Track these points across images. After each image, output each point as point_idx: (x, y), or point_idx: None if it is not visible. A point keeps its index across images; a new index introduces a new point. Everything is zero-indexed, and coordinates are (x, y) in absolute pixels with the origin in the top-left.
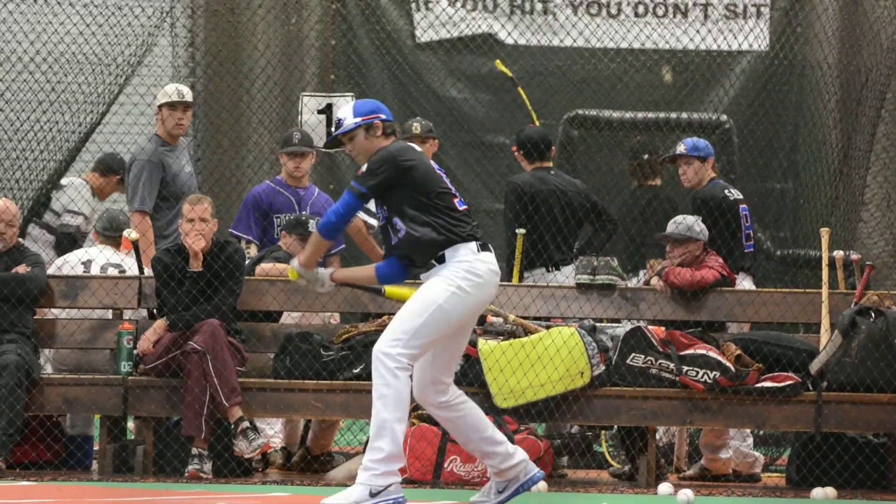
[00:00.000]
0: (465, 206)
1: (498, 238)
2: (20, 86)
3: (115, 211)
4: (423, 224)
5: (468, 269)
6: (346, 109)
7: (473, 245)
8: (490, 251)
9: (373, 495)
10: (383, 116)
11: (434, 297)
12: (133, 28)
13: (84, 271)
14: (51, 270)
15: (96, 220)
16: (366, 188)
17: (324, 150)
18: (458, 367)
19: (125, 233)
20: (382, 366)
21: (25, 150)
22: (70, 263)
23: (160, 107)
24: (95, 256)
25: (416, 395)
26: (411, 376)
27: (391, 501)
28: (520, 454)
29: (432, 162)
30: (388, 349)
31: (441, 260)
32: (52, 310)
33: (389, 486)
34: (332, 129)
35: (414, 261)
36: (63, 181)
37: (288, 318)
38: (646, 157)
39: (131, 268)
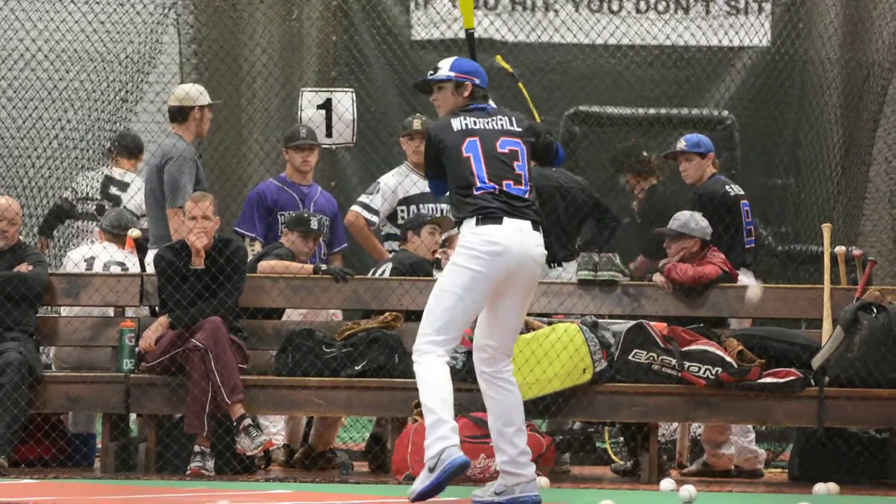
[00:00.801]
0: (489, 190)
1: None
2: (22, 83)
3: (121, 209)
4: (452, 194)
5: (462, 244)
6: (446, 61)
7: (472, 220)
8: (493, 223)
9: (431, 470)
10: (477, 81)
11: (441, 283)
12: (135, 25)
13: (87, 269)
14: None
15: (102, 218)
16: (427, 172)
17: (414, 88)
18: (509, 345)
19: (129, 232)
20: (414, 360)
21: (28, 147)
22: (73, 260)
23: (200, 107)
24: (99, 254)
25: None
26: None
27: (447, 467)
28: (529, 472)
29: (475, 140)
30: (416, 343)
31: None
32: (60, 308)
33: (442, 452)
34: (429, 73)
35: None
36: (124, 177)
37: (292, 315)
38: (644, 154)
39: (134, 265)
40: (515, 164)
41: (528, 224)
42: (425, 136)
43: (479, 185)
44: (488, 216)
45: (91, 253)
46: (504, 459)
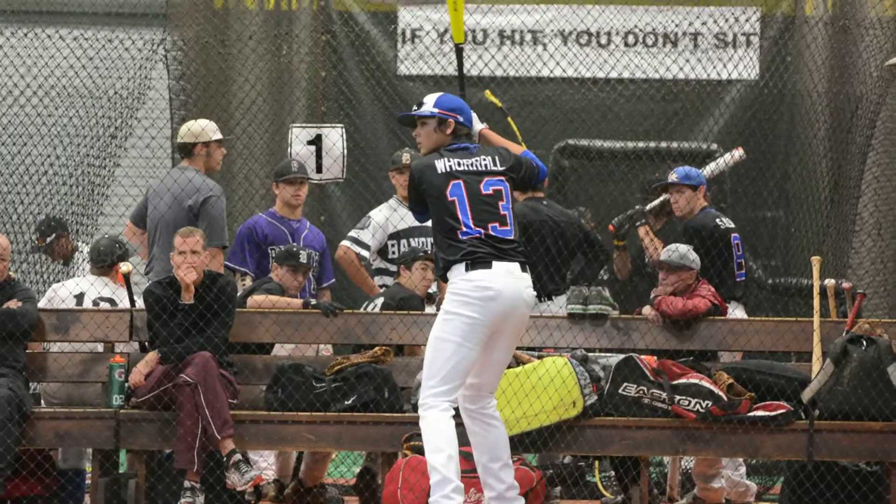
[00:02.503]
0: (475, 235)
1: None
2: (11, 119)
3: (107, 241)
4: (436, 235)
5: (452, 291)
6: (431, 96)
7: (461, 266)
8: (483, 267)
9: None
10: (461, 119)
11: (435, 333)
12: (124, 61)
13: (76, 304)
14: (42, 302)
15: (90, 250)
16: (412, 207)
17: (398, 122)
18: (493, 383)
19: (121, 266)
20: (420, 413)
21: (17, 183)
22: (61, 297)
23: (206, 143)
24: (87, 289)
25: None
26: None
27: None
28: None
29: (459, 183)
30: (420, 397)
31: (445, 280)
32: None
33: None
34: (415, 107)
35: None
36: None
37: (281, 350)
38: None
39: (123, 300)
40: (500, 204)
41: (516, 266)
42: (409, 175)
43: (464, 230)
44: (477, 261)
45: (79, 288)
46: (492, 495)
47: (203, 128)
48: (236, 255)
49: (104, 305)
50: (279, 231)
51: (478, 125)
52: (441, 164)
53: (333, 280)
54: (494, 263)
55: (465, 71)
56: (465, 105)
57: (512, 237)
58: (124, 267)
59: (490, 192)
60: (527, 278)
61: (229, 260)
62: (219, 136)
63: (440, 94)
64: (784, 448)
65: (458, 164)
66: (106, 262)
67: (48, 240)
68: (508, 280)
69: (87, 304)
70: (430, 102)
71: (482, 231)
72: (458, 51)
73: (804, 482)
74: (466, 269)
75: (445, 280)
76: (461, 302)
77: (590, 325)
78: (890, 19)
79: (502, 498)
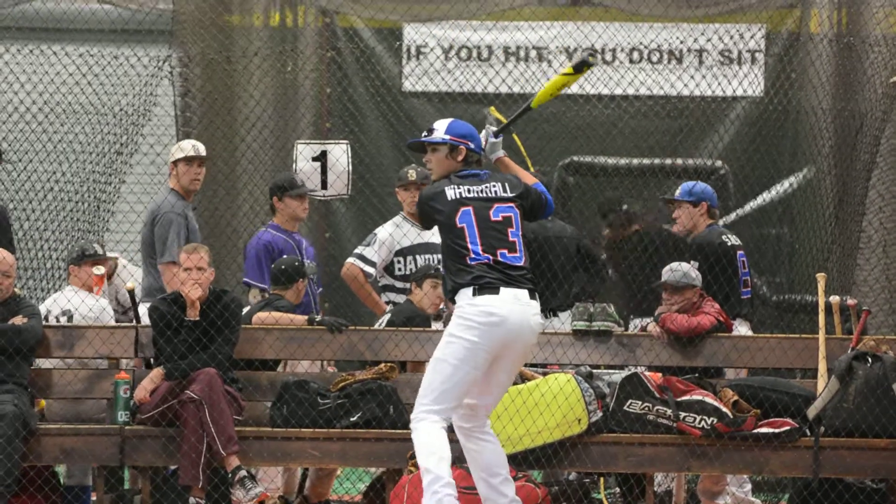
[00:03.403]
0: (484, 261)
1: None
2: (17, 136)
3: (85, 241)
4: (445, 259)
5: (458, 315)
6: (442, 122)
7: (469, 290)
8: (490, 293)
9: None
10: (472, 146)
11: (437, 354)
12: (130, 77)
13: (67, 321)
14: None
15: (68, 255)
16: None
17: (408, 148)
18: (490, 405)
19: (127, 284)
20: (413, 429)
21: (23, 200)
22: (53, 314)
23: (175, 162)
24: (78, 305)
25: None
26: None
27: None
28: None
29: (469, 210)
30: (414, 413)
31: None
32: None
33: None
34: (424, 134)
35: None
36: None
37: (298, 367)
38: (624, 207)
39: (106, 308)
40: (510, 230)
41: (525, 293)
42: (418, 201)
43: (472, 256)
44: (485, 286)
45: (67, 305)
46: None
47: (177, 147)
48: (254, 271)
49: (92, 317)
50: (289, 245)
51: (497, 152)
52: (451, 192)
53: (321, 290)
54: (502, 289)
55: (470, 88)
56: (476, 132)
57: (521, 264)
58: (129, 283)
59: (499, 218)
60: (535, 305)
61: (247, 276)
62: (182, 154)
63: (451, 119)
64: (789, 465)
65: (469, 192)
66: (82, 260)
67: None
68: (515, 307)
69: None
70: (441, 129)
71: (490, 257)
72: (527, 107)
73: (809, 499)
74: (473, 294)
75: (454, 301)
76: (465, 326)
77: (594, 341)
78: (894, 36)
79: None
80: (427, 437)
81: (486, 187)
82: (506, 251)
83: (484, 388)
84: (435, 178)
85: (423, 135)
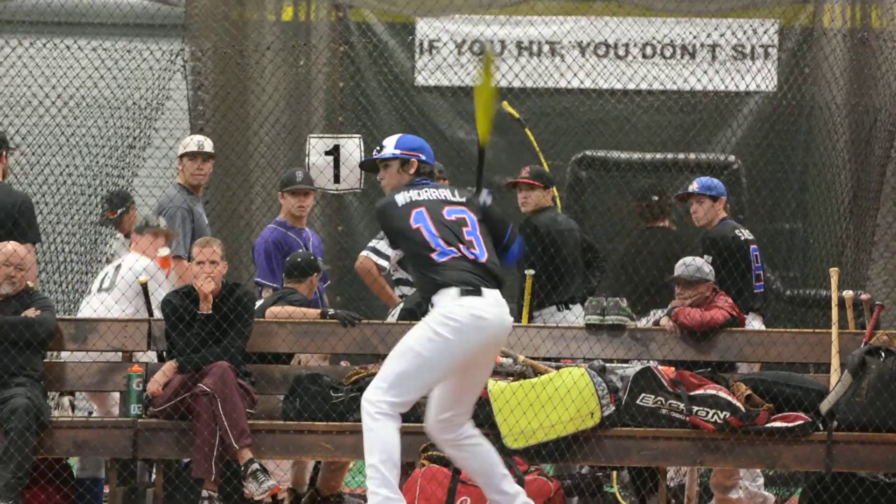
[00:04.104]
0: (452, 255)
1: (508, 279)
2: (30, 129)
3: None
4: (414, 272)
5: (445, 315)
6: (391, 139)
7: (454, 291)
8: (477, 296)
9: None
10: (423, 157)
11: (412, 343)
12: (143, 71)
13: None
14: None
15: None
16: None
17: (360, 168)
18: (469, 410)
19: (140, 278)
20: (365, 412)
21: (37, 193)
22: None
23: (181, 156)
24: (132, 264)
25: (426, 429)
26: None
27: None
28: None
29: (421, 210)
30: (370, 395)
31: (431, 305)
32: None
33: None
34: (375, 151)
35: None
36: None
37: (312, 361)
38: (655, 198)
39: (161, 286)
40: (465, 230)
41: (498, 293)
42: (377, 215)
43: (439, 252)
44: (469, 289)
45: (136, 265)
46: None
47: (183, 142)
48: (264, 270)
49: (136, 274)
50: (296, 242)
51: (485, 199)
52: (401, 198)
53: (328, 282)
54: (484, 291)
55: None
56: (426, 144)
57: (484, 261)
58: (143, 277)
59: (453, 218)
60: (506, 305)
61: (261, 276)
62: (186, 149)
63: (400, 135)
64: (802, 459)
65: (419, 195)
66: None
67: (119, 212)
68: (496, 309)
69: (123, 273)
70: (390, 144)
71: (455, 251)
72: (481, 153)
73: (822, 493)
74: (461, 295)
75: (431, 306)
76: (452, 327)
77: (607, 335)
78: None
79: None
80: (387, 432)
81: (436, 191)
82: (465, 247)
83: (461, 398)
84: (388, 193)
85: (374, 153)
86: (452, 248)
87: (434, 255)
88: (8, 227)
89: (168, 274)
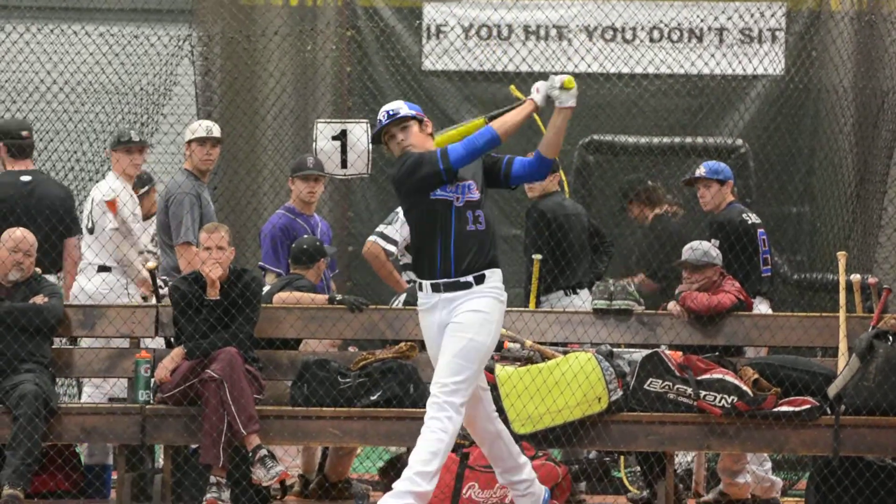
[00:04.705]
0: None
1: (515, 264)
2: (38, 115)
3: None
4: (492, 229)
5: (497, 297)
6: (395, 103)
7: (499, 271)
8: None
9: None
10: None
11: (484, 340)
12: (150, 57)
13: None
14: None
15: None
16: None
17: (373, 142)
18: None
19: (148, 263)
20: (443, 413)
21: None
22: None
23: (189, 142)
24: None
25: None
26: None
27: None
28: (527, 469)
29: None
30: (451, 398)
31: (481, 280)
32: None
33: None
34: (382, 119)
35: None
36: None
37: (319, 346)
38: (649, 183)
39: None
40: None
41: None
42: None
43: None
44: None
45: (111, 194)
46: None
47: (191, 128)
48: (269, 254)
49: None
50: (304, 229)
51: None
52: None
53: (337, 270)
54: None
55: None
56: None
57: None
58: (151, 263)
59: None
60: None
61: (265, 260)
62: (194, 134)
63: (400, 101)
64: (810, 443)
65: None
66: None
67: (140, 192)
68: None
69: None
70: (403, 108)
71: None
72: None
73: (829, 477)
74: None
75: (478, 282)
76: (502, 309)
77: (615, 320)
78: None
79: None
80: (447, 438)
81: None
82: None
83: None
84: (417, 151)
85: (384, 120)
86: None
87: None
88: (66, 221)
89: (115, 216)
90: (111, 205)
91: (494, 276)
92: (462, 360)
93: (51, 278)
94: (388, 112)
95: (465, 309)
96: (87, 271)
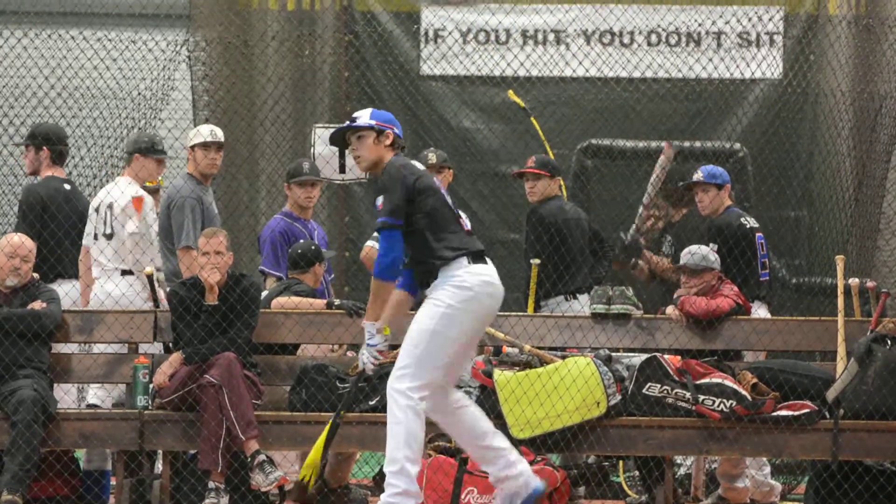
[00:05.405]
0: (467, 228)
1: (513, 268)
2: (35, 120)
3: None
4: (421, 244)
5: (456, 285)
6: (364, 111)
7: (464, 260)
8: (485, 262)
9: None
10: (396, 130)
11: (426, 324)
12: (148, 62)
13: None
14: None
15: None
16: (393, 218)
17: (329, 144)
18: (457, 379)
19: (146, 269)
20: (393, 402)
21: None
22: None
23: (192, 147)
24: (117, 198)
25: None
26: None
27: None
28: (524, 467)
29: (437, 179)
30: (394, 384)
31: (435, 277)
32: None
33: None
34: (347, 123)
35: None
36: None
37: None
38: (680, 183)
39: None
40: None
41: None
42: (388, 176)
43: (461, 220)
44: (477, 256)
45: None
46: (497, 468)
47: (195, 132)
48: (269, 259)
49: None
50: (302, 233)
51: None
52: (416, 162)
53: (333, 276)
54: (487, 260)
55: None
56: (397, 121)
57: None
58: (148, 268)
59: (449, 196)
60: None
61: (265, 265)
62: (200, 139)
63: (371, 109)
64: (809, 448)
65: (420, 166)
66: (129, 149)
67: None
68: (497, 278)
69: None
70: (365, 115)
71: (465, 223)
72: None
73: (829, 482)
74: (469, 262)
75: (434, 279)
76: (468, 297)
77: (613, 324)
78: None
79: (507, 463)
80: (414, 425)
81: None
82: (463, 220)
83: (454, 367)
84: (366, 166)
85: (346, 123)
86: (462, 221)
87: (459, 223)
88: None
89: (139, 215)
90: (138, 203)
91: (447, 270)
92: (407, 345)
93: (69, 284)
94: (351, 118)
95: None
96: (113, 276)
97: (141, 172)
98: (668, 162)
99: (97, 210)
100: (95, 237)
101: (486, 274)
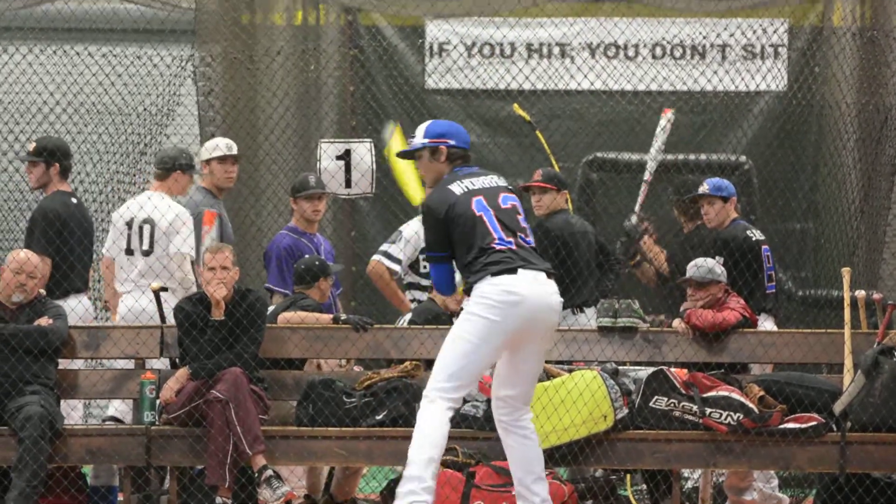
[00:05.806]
0: (509, 245)
1: None
2: (40, 136)
3: (173, 148)
4: (466, 259)
5: (479, 296)
6: (420, 127)
7: (487, 275)
8: (510, 273)
9: None
10: (452, 142)
11: (455, 331)
12: (153, 77)
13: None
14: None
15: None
16: (433, 251)
17: (399, 157)
18: (526, 394)
19: (152, 284)
20: (421, 404)
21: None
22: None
23: (208, 161)
24: (150, 212)
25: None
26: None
27: None
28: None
29: (480, 199)
30: (426, 389)
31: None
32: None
33: None
34: (409, 140)
35: None
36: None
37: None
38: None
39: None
40: (519, 217)
41: (542, 275)
42: (426, 213)
43: (497, 241)
44: (504, 269)
45: (130, 213)
46: None
47: (212, 146)
48: (275, 276)
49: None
50: (308, 248)
51: None
52: (456, 187)
53: (341, 289)
54: (520, 271)
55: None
56: (458, 127)
57: (534, 245)
58: (155, 284)
59: (509, 206)
60: (553, 285)
61: (272, 282)
62: (217, 153)
63: (429, 122)
64: (816, 460)
65: (472, 183)
66: (167, 165)
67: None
68: (534, 287)
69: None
70: (420, 133)
71: (513, 241)
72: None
73: (836, 494)
74: (492, 276)
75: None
76: (485, 305)
77: (619, 338)
78: None
79: None
80: (432, 424)
81: (487, 178)
82: (523, 235)
83: (515, 378)
84: (430, 185)
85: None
86: (510, 240)
87: (493, 243)
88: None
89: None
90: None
91: (477, 289)
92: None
93: (76, 300)
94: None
95: None
96: (148, 292)
97: (174, 187)
98: (669, 124)
99: (129, 224)
100: (131, 252)
101: (508, 284)
